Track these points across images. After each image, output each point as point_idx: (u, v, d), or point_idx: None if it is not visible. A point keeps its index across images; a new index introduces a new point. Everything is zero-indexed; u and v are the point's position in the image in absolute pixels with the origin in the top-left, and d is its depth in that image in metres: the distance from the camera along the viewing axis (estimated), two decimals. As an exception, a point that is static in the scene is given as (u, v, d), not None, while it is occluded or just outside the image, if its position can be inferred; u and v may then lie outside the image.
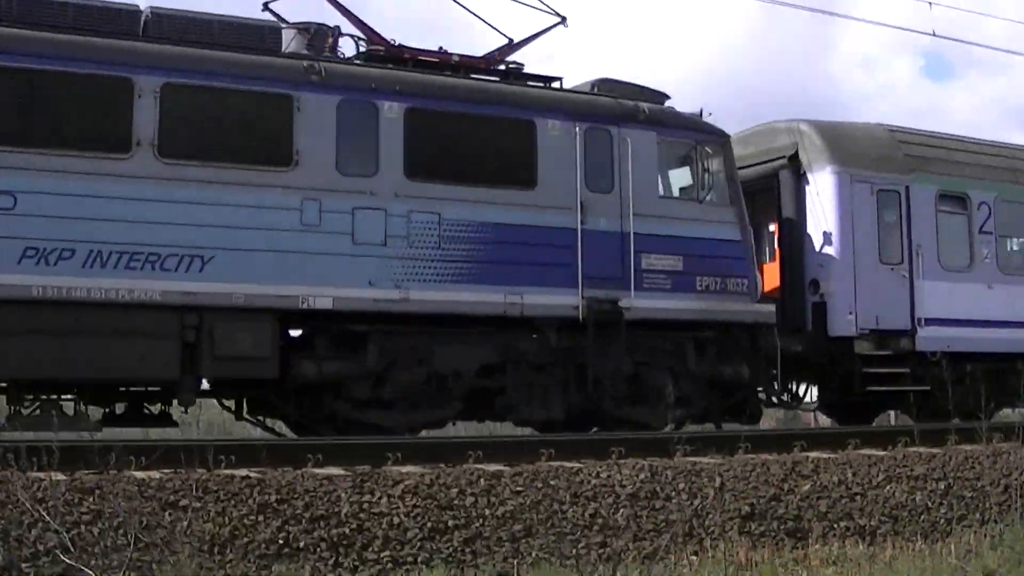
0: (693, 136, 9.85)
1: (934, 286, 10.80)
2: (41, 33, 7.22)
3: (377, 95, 8.27)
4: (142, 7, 7.99)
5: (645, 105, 9.61)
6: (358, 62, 8.80)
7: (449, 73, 8.96)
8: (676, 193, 9.88)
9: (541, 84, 9.41)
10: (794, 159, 10.42)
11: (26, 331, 6.78)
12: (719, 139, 10.02)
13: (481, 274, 8.42)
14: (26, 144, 6.90)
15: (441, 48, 9.15)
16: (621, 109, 9.63)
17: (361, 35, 9.03)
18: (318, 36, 8.52)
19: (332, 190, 7.92)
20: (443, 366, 8.42)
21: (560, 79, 9.48)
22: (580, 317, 8.62)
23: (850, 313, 10.29)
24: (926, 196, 11.00)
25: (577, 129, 8.90)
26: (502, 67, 9.25)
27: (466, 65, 9.13)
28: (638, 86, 9.87)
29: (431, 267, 8.26)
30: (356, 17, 9.07)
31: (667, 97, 9.98)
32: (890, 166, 11.17)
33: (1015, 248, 12.25)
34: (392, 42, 8.89)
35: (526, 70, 9.23)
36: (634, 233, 9.03)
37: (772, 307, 9.89)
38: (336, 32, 8.70)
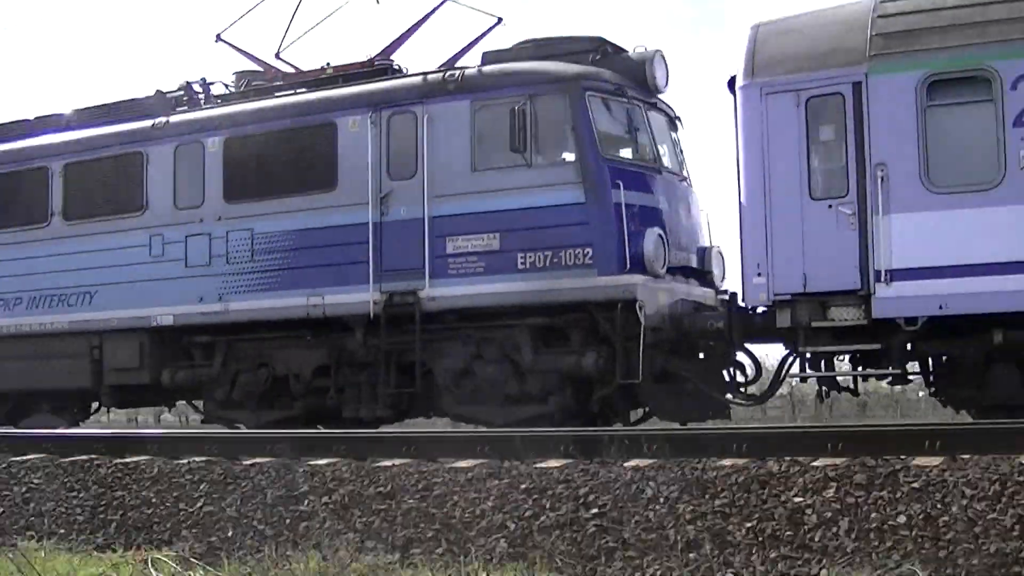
0: (526, 90, 8.85)
1: (910, 220, 7.55)
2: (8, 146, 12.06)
3: (203, 134, 10.17)
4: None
5: (459, 72, 9.30)
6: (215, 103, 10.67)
7: (296, 91, 10.05)
8: (502, 160, 8.93)
9: (403, 76, 9.92)
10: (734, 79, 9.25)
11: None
12: (561, 86, 8.83)
13: (287, 280, 9.45)
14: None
15: (328, 64, 10.06)
16: (427, 85, 9.39)
17: (258, 68, 10.76)
18: (189, 90, 10.63)
19: (170, 224, 10.15)
20: (282, 369, 9.57)
21: (395, 68, 9.86)
22: (371, 313, 8.83)
23: (759, 274, 7.95)
24: (900, 87, 7.75)
25: (380, 118, 9.09)
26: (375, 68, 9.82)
27: (342, 74, 9.90)
28: (560, 39, 9.27)
29: (246, 279, 9.72)
30: (248, 53, 10.70)
31: (600, 42, 9.21)
32: (835, 59, 8.10)
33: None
34: (277, 70, 10.30)
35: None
36: (436, 217, 8.84)
37: (633, 279, 8.37)
38: (204, 82, 10.65)
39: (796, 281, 7.79)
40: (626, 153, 9.29)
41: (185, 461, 6.94)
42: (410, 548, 5.58)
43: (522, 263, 8.43)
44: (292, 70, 10.50)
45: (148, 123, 10.67)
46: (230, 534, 6.52)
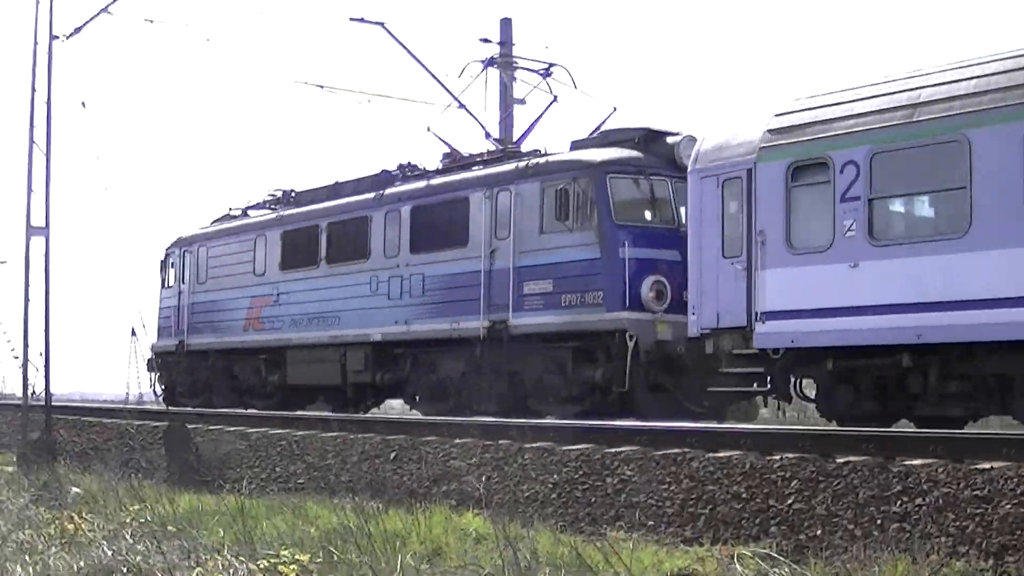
0: (570, 174, 23.82)
1: (776, 275, 18.78)
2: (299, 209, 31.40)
3: (399, 203, 28.23)
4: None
5: (535, 160, 25.33)
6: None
7: (455, 171, 28.37)
8: (556, 226, 23.94)
9: (517, 161, 26.21)
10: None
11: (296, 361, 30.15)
12: (589, 171, 23.47)
13: (442, 309, 26.21)
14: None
15: (490, 150, 29.55)
16: (516, 171, 25.26)
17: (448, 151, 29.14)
18: (402, 169, 30.36)
19: (381, 268, 28.12)
20: (442, 373, 26.73)
21: (537, 151, 27.13)
22: (480, 336, 24.96)
23: (693, 313, 20.33)
24: (774, 173, 18.92)
25: (492, 194, 25.18)
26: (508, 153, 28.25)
27: (486, 159, 28.43)
28: (618, 130, 26.17)
29: (421, 309, 27.11)
30: (444, 141, 30.73)
31: (646, 132, 25.04)
32: (741, 150, 19.94)
33: (903, 209, 18.32)
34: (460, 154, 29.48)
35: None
36: (518, 267, 24.62)
37: (622, 315, 22.54)
38: (409, 164, 30.59)
39: (713, 319, 19.67)
40: (644, 217, 23.71)
41: (777, 457, 12.21)
42: (1004, 556, 9.58)
43: (564, 302, 23.26)
44: (467, 154, 28.83)
45: (372, 195, 28.92)
46: (818, 533, 10.95)
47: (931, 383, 17.18)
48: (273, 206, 34.72)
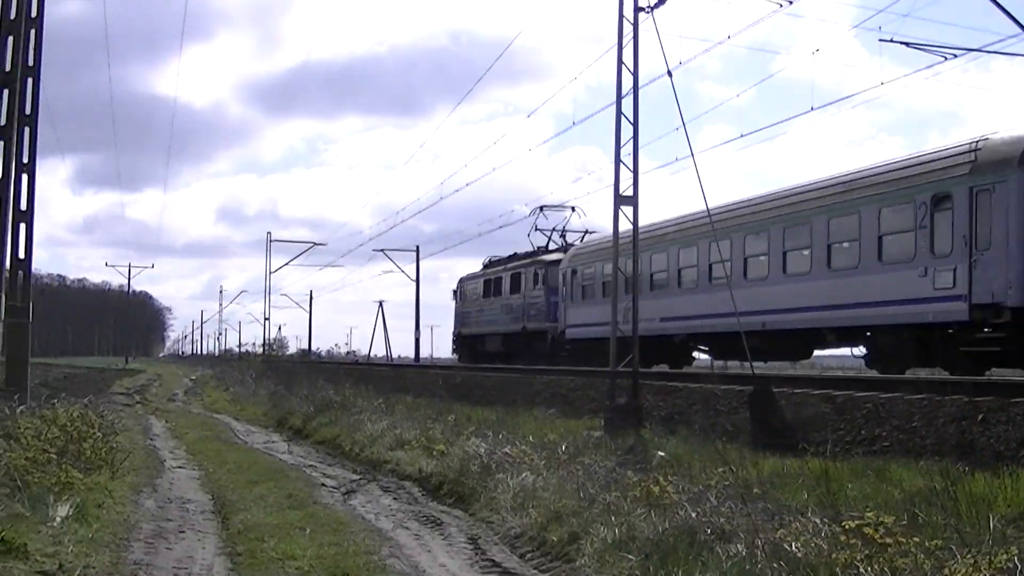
0: (531, 268, 61.59)
1: (573, 308, 53.39)
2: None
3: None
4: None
5: (540, 259, 60.82)
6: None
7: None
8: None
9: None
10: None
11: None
12: (548, 267, 58.02)
13: None
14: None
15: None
16: (543, 261, 60.40)
17: None
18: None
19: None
20: None
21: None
22: None
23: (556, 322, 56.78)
24: (563, 269, 56.50)
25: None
26: None
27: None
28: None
29: None
30: None
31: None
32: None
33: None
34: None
35: None
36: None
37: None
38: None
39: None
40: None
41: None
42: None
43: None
44: None
45: None
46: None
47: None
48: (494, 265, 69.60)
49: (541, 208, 61.67)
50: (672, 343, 42.87)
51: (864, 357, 33.56)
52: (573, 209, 61.94)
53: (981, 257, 26.97)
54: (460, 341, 71.74)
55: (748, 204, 38.45)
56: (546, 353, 54.19)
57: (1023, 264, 26.27)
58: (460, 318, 71.87)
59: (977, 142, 27.89)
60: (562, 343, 51.09)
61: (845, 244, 32.85)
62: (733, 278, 34.38)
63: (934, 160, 29.36)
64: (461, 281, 71.11)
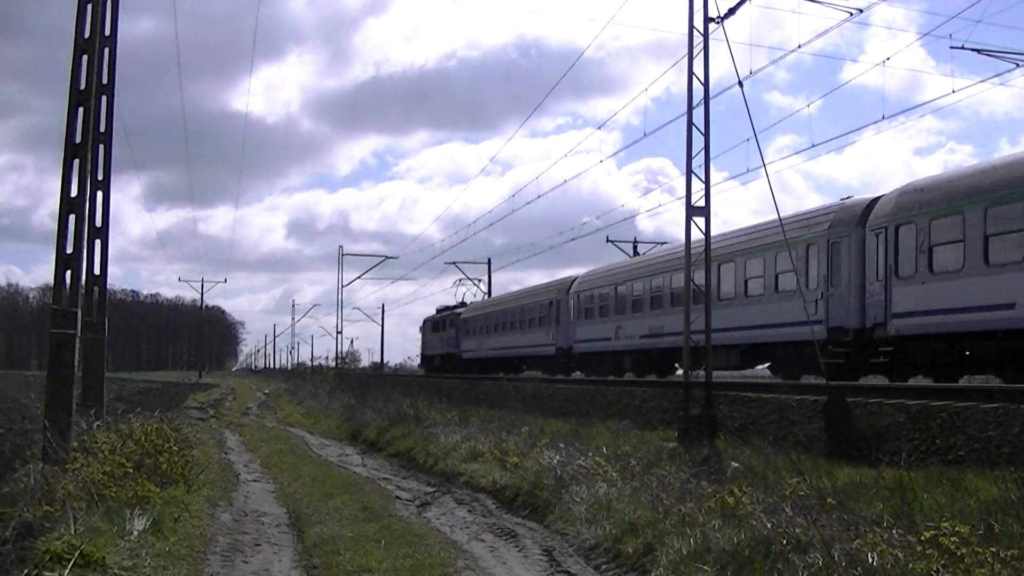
0: (547, 296, 68.16)
1: (583, 325, 61.28)
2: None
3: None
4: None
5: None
6: None
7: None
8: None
9: None
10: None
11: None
12: (560, 293, 65.48)
13: None
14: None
15: None
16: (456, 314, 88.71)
17: None
18: None
19: None
20: None
21: None
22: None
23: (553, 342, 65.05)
24: (572, 297, 64.43)
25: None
26: None
27: None
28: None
29: None
30: None
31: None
32: (557, 292, 67.39)
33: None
34: None
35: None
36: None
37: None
38: None
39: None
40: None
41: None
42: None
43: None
44: None
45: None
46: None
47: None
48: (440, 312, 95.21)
49: (458, 281, 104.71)
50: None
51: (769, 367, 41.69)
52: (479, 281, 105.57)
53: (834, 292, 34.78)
54: (424, 359, 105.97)
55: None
56: (457, 366, 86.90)
57: (859, 297, 33.91)
58: (424, 345, 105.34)
59: (836, 204, 36.91)
60: (572, 357, 61.06)
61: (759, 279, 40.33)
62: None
63: (809, 218, 37.95)
64: (424, 321, 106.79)
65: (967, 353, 30.31)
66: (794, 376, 37.08)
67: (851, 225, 34.53)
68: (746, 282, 40.88)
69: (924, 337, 30.64)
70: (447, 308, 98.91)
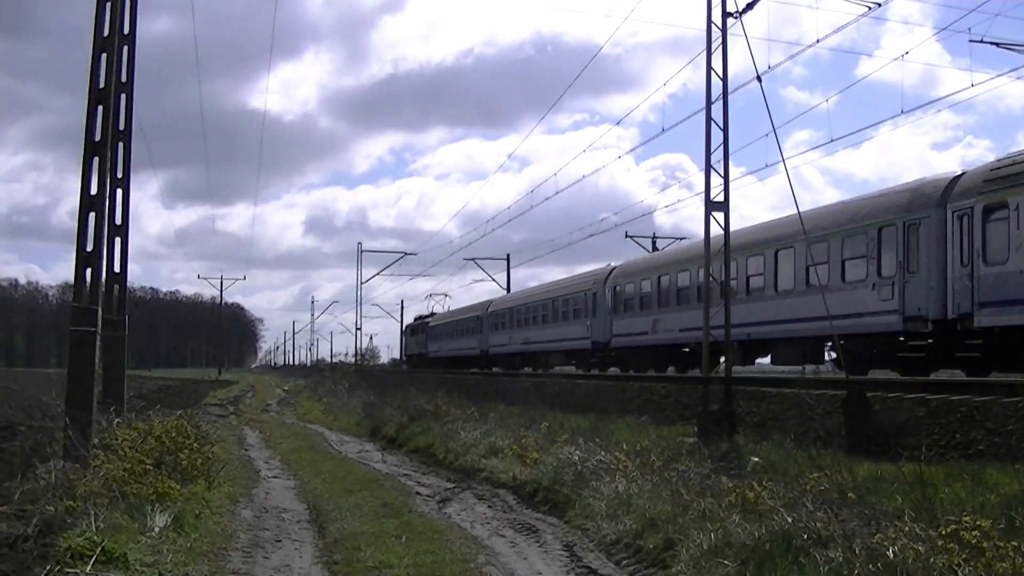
0: (581, 291, 63.89)
1: (619, 319, 57.75)
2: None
3: None
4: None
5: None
6: None
7: None
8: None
9: None
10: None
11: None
12: (596, 285, 60.96)
13: None
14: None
15: None
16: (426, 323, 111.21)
17: None
18: None
19: None
20: None
21: None
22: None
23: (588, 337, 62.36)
24: (606, 290, 60.87)
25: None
26: None
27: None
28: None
29: None
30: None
31: None
32: (594, 281, 63.45)
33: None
34: None
35: None
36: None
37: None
38: None
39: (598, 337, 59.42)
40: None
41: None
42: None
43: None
44: None
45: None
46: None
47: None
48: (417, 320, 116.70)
49: (429, 295, 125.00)
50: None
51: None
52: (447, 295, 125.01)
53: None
54: (407, 356, 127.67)
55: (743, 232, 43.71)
56: (426, 363, 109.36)
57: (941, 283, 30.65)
58: (406, 345, 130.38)
59: (915, 184, 33.41)
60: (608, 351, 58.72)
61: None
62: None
63: (882, 198, 35.24)
64: (406, 327, 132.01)
65: None
66: (862, 372, 33.85)
67: (931, 206, 31.74)
68: (807, 270, 36.78)
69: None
70: (421, 317, 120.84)
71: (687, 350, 47.77)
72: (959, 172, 31.40)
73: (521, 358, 75.07)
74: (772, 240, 38.48)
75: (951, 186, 30.89)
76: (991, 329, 28.36)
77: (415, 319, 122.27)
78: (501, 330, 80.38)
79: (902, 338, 32.14)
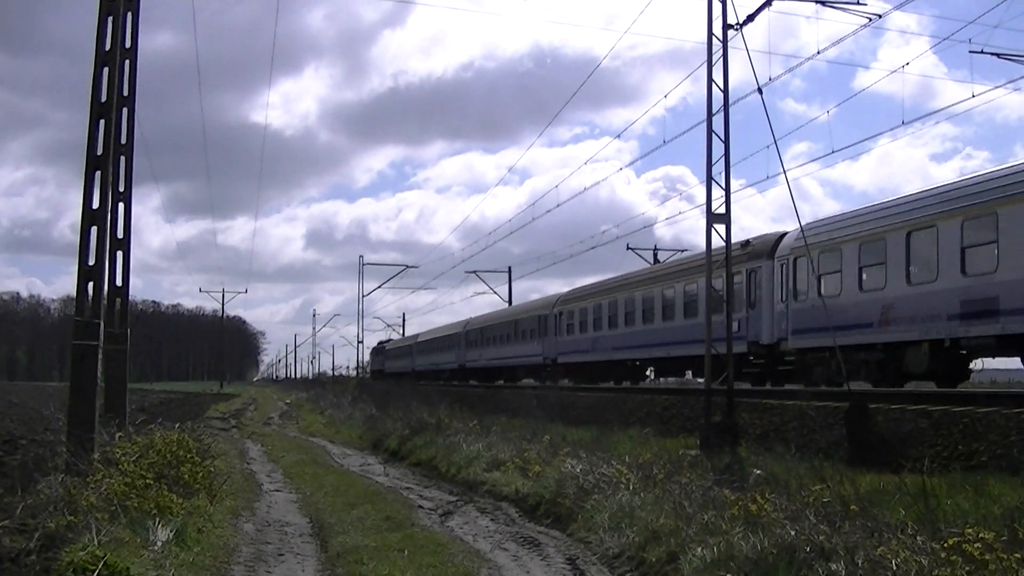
0: (537, 314, 72.26)
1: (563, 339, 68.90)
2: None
3: None
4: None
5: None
6: None
7: None
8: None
9: None
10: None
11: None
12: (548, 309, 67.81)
13: None
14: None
15: None
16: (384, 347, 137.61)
17: None
18: None
19: None
20: None
21: None
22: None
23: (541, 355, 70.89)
24: (556, 316, 68.91)
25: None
26: None
27: None
28: None
29: None
30: None
31: None
32: (547, 306, 70.40)
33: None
34: None
35: None
36: None
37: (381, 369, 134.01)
38: None
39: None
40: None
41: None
42: None
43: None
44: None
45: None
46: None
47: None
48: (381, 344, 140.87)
49: (386, 326, 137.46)
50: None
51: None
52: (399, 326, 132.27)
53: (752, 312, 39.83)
54: (372, 371, 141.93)
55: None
56: (381, 377, 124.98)
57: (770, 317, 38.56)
58: (371, 362, 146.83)
59: (751, 240, 41.60)
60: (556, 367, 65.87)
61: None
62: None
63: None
64: (372, 348, 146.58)
65: None
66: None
67: (764, 257, 40.92)
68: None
69: None
70: (383, 342, 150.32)
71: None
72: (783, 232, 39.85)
73: (435, 374, 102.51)
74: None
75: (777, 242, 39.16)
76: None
77: (378, 343, 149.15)
78: (422, 355, 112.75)
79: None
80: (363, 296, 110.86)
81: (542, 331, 67.93)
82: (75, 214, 20.72)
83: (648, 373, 56.33)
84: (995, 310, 26.63)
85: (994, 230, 26.68)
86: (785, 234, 39.17)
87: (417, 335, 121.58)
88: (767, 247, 39.70)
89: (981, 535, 10.31)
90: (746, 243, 41.23)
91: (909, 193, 32.20)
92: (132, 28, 23.20)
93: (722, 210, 27.09)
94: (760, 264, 39.80)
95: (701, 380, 37.64)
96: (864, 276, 32.79)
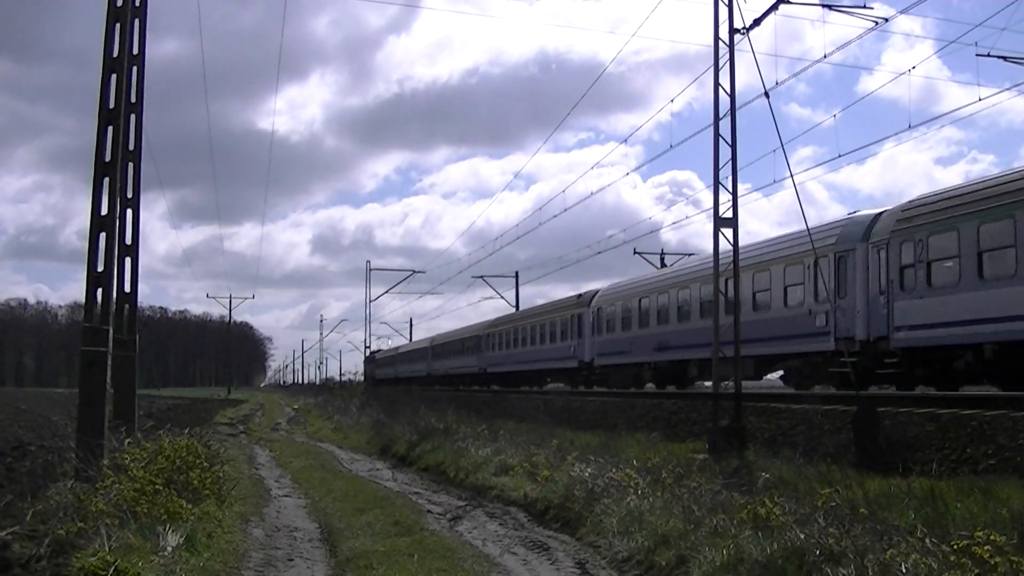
0: (568, 311, 68.26)
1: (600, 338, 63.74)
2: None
3: None
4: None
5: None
6: None
7: None
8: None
9: None
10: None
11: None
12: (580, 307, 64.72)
13: None
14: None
15: None
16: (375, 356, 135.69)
17: None
18: None
19: None
20: None
21: None
22: None
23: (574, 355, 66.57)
24: (592, 312, 65.67)
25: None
26: None
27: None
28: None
29: None
30: None
31: None
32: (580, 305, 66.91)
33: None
34: None
35: None
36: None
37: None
38: None
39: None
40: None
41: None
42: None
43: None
44: None
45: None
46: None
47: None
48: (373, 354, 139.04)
49: (379, 338, 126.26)
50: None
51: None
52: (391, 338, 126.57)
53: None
54: (366, 377, 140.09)
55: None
56: (373, 383, 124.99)
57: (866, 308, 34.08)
58: (367, 371, 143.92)
59: (840, 221, 37.72)
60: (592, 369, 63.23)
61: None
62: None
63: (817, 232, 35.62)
64: (365, 357, 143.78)
65: None
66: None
67: (857, 239, 36.35)
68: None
69: None
70: (375, 352, 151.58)
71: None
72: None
73: (430, 379, 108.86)
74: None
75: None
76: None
77: (371, 352, 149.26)
78: (438, 359, 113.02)
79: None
80: (370, 301, 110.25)
81: (574, 331, 65.07)
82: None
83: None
84: None
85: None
86: (880, 214, 35.21)
87: (397, 347, 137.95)
88: (861, 228, 35.48)
89: (991, 538, 10.28)
90: (835, 224, 37.40)
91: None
92: (140, 35, 23.25)
93: (729, 214, 26.97)
94: (852, 248, 35.37)
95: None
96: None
